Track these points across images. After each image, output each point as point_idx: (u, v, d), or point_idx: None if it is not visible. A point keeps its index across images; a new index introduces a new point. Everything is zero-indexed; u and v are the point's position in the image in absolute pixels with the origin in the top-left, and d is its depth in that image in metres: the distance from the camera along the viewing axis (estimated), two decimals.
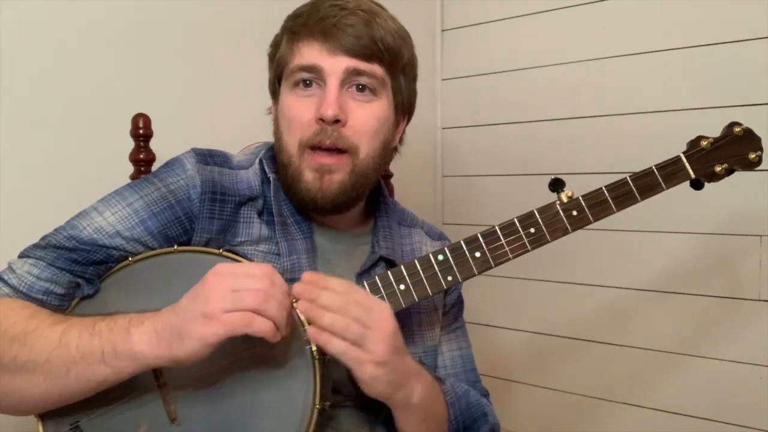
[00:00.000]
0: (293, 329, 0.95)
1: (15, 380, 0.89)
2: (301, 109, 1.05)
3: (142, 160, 1.39)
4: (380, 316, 0.94)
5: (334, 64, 1.03)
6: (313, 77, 1.05)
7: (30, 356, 0.89)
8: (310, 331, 0.91)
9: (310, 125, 1.04)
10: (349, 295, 0.93)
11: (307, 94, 1.06)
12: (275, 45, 1.12)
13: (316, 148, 1.04)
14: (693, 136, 1.14)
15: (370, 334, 0.91)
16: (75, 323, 0.92)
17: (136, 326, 0.89)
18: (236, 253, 1.01)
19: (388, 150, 1.14)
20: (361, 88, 1.06)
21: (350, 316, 0.91)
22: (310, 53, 1.04)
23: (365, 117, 1.06)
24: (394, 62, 1.08)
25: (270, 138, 1.23)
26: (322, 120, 1.03)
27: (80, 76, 1.43)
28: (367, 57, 1.04)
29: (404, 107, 1.15)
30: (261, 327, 0.87)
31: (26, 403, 0.92)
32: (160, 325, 0.88)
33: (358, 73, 1.04)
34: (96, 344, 0.88)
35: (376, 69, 1.06)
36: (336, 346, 0.91)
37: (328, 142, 1.03)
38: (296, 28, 1.07)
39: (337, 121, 1.03)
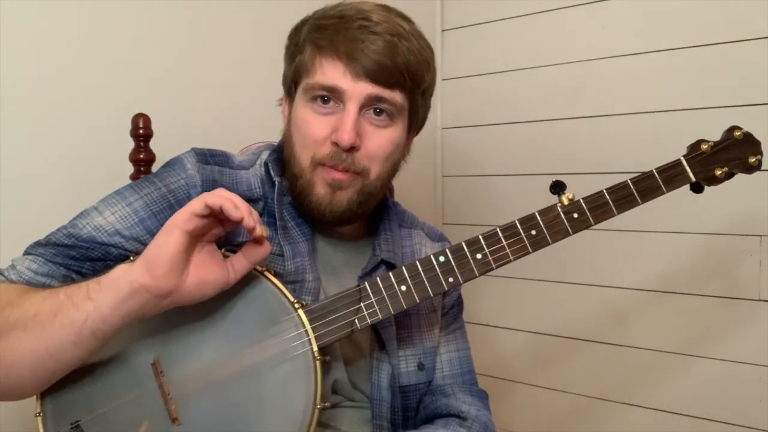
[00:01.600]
0: (295, 330, 0.95)
1: (6, 341, 0.88)
2: (318, 126, 1.05)
3: (142, 160, 1.39)
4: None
5: (356, 89, 1.02)
6: (332, 96, 1.04)
7: (21, 313, 0.88)
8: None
9: (324, 144, 1.04)
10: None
11: (325, 111, 1.05)
12: (296, 46, 1.10)
13: (328, 166, 1.05)
14: (693, 136, 1.14)
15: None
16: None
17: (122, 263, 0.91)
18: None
19: (397, 168, 1.14)
20: (379, 112, 1.05)
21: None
22: (333, 73, 1.03)
23: (380, 142, 1.06)
24: (415, 87, 1.07)
25: (270, 137, 1.23)
26: (337, 144, 1.03)
27: (80, 76, 1.43)
28: (389, 84, 1.03)
29: (417, 124, 1.15)
30: (215, 199, 0.87)
31: (16, 368, 0.89)
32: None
33: (379, 99, 1.04)
34: (83, 285, 0.89)
35: (397, 96, 1.05)
36: None
37: (341, 167, 1.04)
38: (321, 43, 1.05)
39: (352, 147, 1.03)
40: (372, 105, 1.04)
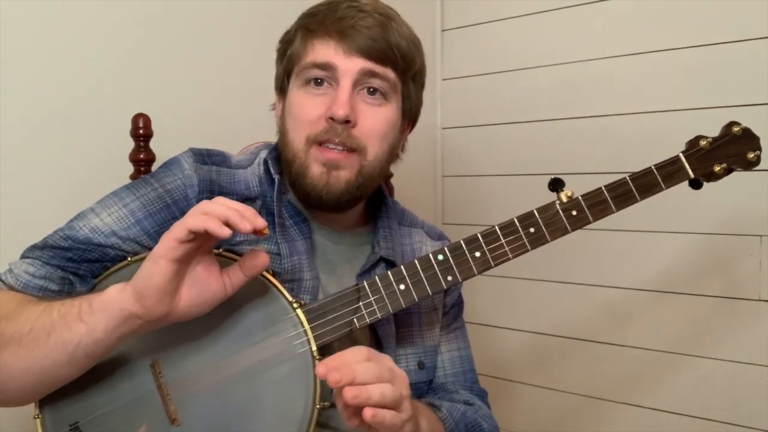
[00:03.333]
0: (294, 330, 0.95)
1: (1, 356, 0.88)
2: (311, 107, 1.05)
3: (142, 160, 1.39)
4: (395, 367, 0.90)
5: (349, 64, 1.03)
6: (325, 76, 1.05)
7: (15, 328, 0.88)
8: (368, 416, 0.83)
9: (319, 123, 1.04)
10: (373, 359, 0.88)
11: (318, 92, 1.05)
12: (286, 41, 1.12)
13: (323, 144, 1.04)
14: (692, 136, 1.14)
15: (403, 394, 0.88)
16: (63, 298, 0.92)
17: (115, 284, 0.88)
18: (235, 252, 1.01)
19: (393, 155, 1.14)
20: (372, 91, 1.05)
21: (385, 380, 0.86)
22: (325, 51, 1.04)
23: (375, 120, 1.06)
24: (406, 68, 1.08)
25: (270, 138, 1.23)
26: (332, 119, 1.02)
27: (80, 76, 1.43)
28: (381, 60, 1.04)
29: (410, 114, 1.15)
30: (197, 222, 0.83)
31: (11, 382, 0.89)
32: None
33: (371, 74, 1.04)
34: (76, 304, 0.88)
35: (389, 73, 1.05)
36: (389, 421, 0.85)
37: (336, 140, 1.03)
38: (312, 26, 1.06)
39: (347, 121, 1.03)
40: (365, 82, 1.05)
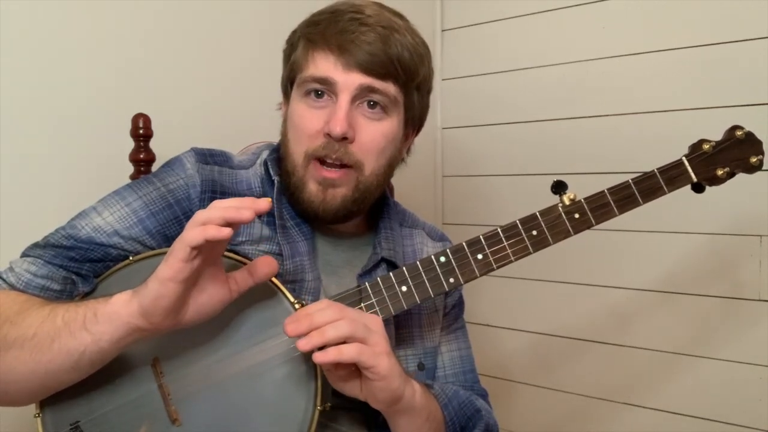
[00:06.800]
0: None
1: (4, 358, 0.88)
2: (311, 120, 1.04)
3: (142, 160, 1.39)
4: (365, 313, 0.95)
5: (348, 80, 1.02)
6: (325, 89, 1.04)
7: (19, 332, 0.88)
8: (317, 357, 0.88)
9: (318, 137, 1.04)
10: (336, 305, 0.92)
11: (318, 105, 1.05)
12: (291, 45, 1.11)
13: (321, 160, 1.04)
14: (692, 136, 1.14)
15: (371, 328, 0.91)
16: (66, 302, 0.92)
17: (120, 293, 0.88)
18: (237, 253, 1.00)
19: (393, 167, 1.13)
20: (372, 105, 1.05)
21: (349, 318, 0.90)
22: (324, 65, 1.03)
23: (373, 135, 1.05)
24: (408, 81, 1.07)
25: (270, 137, 1.23)
26: (329, 135, 1.02)
27: (80, 76, 1.43)
28: (381, 75, 1.03)
29: (414, 122, 1.14)
30: (195, 236, 0.82)
31: (15, 385, 0.90)
32: (140, 287, 0.87)
33: (371, 90, 1.03)
34: (80, 312, 0.88)
35: (390, 87, 1.04)
36: (348, 352, 0.88)
37: (333, 156, 1.03)
38: (314, 37, 1.05)
39: (344, 138, 1.02)
40: (365, 97, 1.04)
